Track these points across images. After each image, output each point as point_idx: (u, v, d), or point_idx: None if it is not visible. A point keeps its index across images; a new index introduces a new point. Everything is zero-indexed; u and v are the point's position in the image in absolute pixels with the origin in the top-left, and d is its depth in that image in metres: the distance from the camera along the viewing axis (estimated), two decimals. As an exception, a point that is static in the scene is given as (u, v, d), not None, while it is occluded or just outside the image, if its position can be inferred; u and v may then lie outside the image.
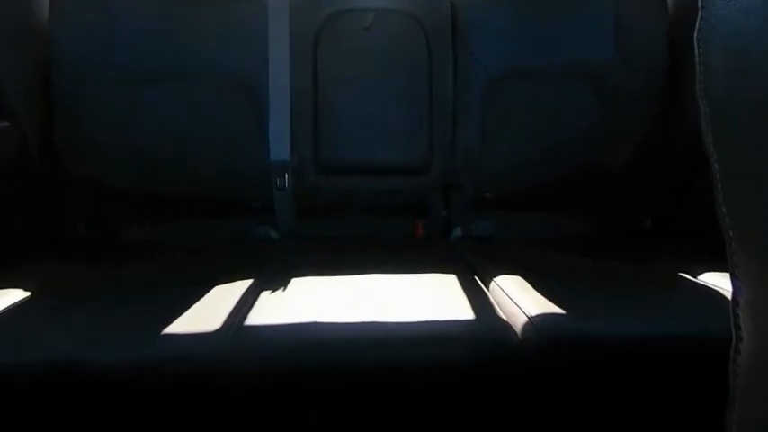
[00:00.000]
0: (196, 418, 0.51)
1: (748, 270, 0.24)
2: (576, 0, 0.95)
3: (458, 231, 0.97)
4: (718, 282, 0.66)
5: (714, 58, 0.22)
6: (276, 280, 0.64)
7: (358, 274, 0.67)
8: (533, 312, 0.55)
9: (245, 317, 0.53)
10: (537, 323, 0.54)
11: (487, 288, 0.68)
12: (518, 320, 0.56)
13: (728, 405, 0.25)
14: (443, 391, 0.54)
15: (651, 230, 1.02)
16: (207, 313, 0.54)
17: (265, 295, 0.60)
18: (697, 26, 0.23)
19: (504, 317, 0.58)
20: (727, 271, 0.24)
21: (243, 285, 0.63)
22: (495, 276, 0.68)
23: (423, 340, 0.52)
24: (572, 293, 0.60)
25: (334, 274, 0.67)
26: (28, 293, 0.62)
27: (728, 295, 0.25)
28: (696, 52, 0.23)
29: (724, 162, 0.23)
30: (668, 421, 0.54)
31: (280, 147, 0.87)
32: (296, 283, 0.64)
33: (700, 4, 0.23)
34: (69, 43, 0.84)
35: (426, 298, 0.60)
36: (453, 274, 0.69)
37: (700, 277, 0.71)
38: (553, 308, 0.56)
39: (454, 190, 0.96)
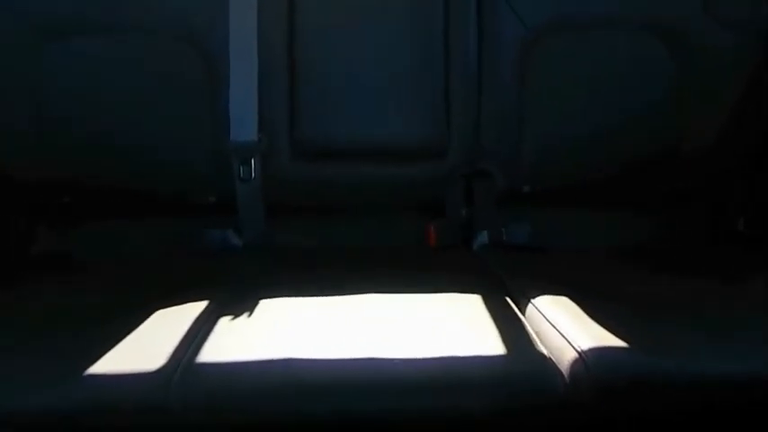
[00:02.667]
0: None
1: None
2: None
3: (483, 237, 0.83)
4: None
5: None
6: (238, 303, 0.55)
7: (348, 294, 0.58)
8: (585, 346, 0.47)
9: (196, 352, 0.45)
10: (590, 360, 0.46)
11: (523, 313, 0.58)
12: (564, 357, 0.48)
13: None
14: None
15: (744, 235, 0.88)
16: (144, 348, 0.46)
17: (224, 323, 0.51)
18: None
19: (545, 352, 0.49)
20: None
21: (194, 310, 0.53)
22: (532, 297, 0.59)
23: (434, 385, 0.44)
24: (636, 321, 0.52)
25: (316, 295, 0.58)
26: None
27: None
28: None
29: None
30: None
31: (243, 123, 0.74)
32: (264, 306, 0.55)
33: None
34: None
35: (440, 327, 0.52)
36: (477, 294, 0.59)
37: None
38: (612, 340, 0.48)
39: (479, 181, 0.83)
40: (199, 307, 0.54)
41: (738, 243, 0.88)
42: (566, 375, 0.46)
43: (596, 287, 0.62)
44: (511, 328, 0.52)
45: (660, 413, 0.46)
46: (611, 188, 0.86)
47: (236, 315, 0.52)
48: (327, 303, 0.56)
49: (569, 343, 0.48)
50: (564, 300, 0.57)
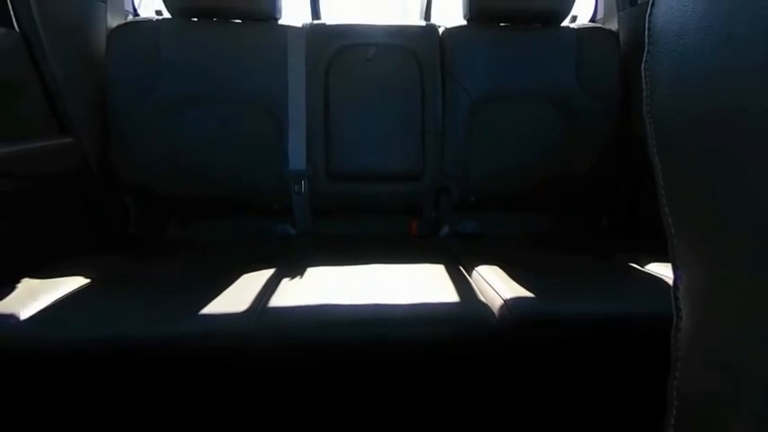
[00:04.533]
0: (225, 387, 0.54)
1: (685, 261, 0.24)
2: (542, 37, 0.99)
3: (446, 229, 1.01)
4: (663, 271, 0.69)
5: (658, 86, 0.23)
6: (294, 270, 0.67)
7: (362, 264, 0.70)
8: (508, 296, 0.58)
9: (267, 300, 0.56)
10: (511, 305, 0.57)
11: (470, 276, 0.70)
12: (495, 303, 0.58)
13: (670, 373, 0.25)
14: (431, 364, 0.56)
15: (607, 229, 1.06)
16: (236, 298, 0.57)
17: (285, 282, 0.62)
18: (644, 59, 0.24)
19: (483, 300, 0.60)
20: (669, 262, 0.24)
21: (266, 274, 0.66)
22: (476, 267, 0.71)
23: (415, 320, 0.54)
24: (541, 281, 0.63)
25: (343, 265, 0.70)
26: (87, 281, 0.65)
27: (671, 282, 0.25)
28: (643, 81, 0.24)
29: (666, 172, 0.24)
30: (622, 386, 0.57)
31: (297, 158, 0.93)
32: (310, 272, 0.67)
33: (647, 41, 0.24)
34: (122, 73, 0.89)
35: (418, 285, 0.62)
36: (442, 264, 0.72)
37: (647, 267, 0.74)
38: (525, 293, 0.59)
39: (443, 194, 1.00)
40: (269, 272, 0.67)
41: (603, 234, 1.06)
42: (496, 315, 0.57)
43: (517, 261, 0.74)
44: (462, 286, 0.63)
45: (556, 338, 0.56)
46: (526, 198, 1.03)
47: (292, 277, 0.65)
48: (348, 270, 0.68)
49: (498, 295, 0.59)
50: (496, 268, 0.69)
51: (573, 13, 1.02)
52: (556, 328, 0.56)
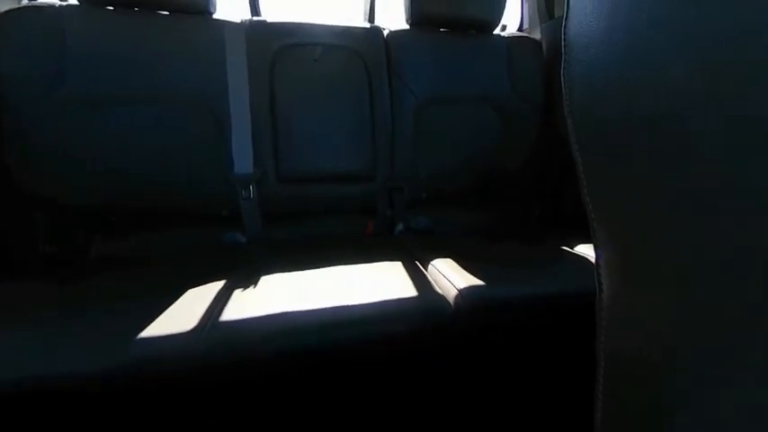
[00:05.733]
0: (178, 417, 0.49)
1: (603, 241, 0.26)
2: (478, 44, 1.04)
3: (400, 226, 1.01)
4: (588, 251, 0.75)
5: (574, 90, 0.25)
6: (246, 280, 0.62)
7: (319, 268, 0.67)
8: (462, 286, 0.60)
9: (219, 314, 0.51)
10: (465, 294, 0.59)
11: (426, 270, 0.71)
12: (450, 293, 0.60)
13: (597, 339, 0.27)
14: (395, 358, 0.56)
15: (539, 218, 1.14)
16: (180, 316, 0.51)
17: (237, 294, 0.58)
18: (562, 66, 0.26)
19: (440, 291, 0.61)
20: (592, 243, 0.27)
21: (215, 287, 0.60)
22: (431, 260, 0.73)
23: (375, 318, 0.54)
24: (489, 269, 0.67)
25: (298, 270, 0.66)
26: None
27: (594, 260, 0.27)
28: (563, 85, 0.26)
29: (585, 165, 0.26)
30: (563, 353, 0.62)
31: (243, 161, 0.86)
32: (264, 280, 0.63)
33: (563, 51, 0.26)
34: (15, 65, 0.74)
35: (377, 283, 0.61)
36: (398, 261, 0.72)
37: (576, 249, 0.82)
38: (476, 281, 0.61)
39: (396, 193, 1.00)
40: (219, 284, 0.61)
41: (536, 223, 1.13)
42: (452, 304, 0.58)
43: (466, 251, 0.76)
44: (419, 280, 0.64)
45: (507, 320, 0.59)
46: (472, 194, 1.07)
47: (246, 287, 0.59)
48: (306, 274, 0.65)
49: (453, 285, 0.61)
50: (449, 260, 0.71)
51: (503, 22, 1.09)
52: (505, 310, 0.59)
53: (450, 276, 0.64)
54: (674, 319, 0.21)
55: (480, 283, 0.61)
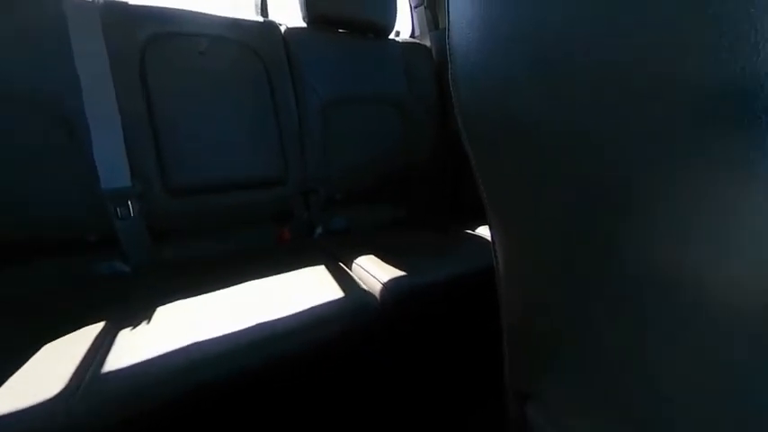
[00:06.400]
0: None
1: (495, 223, 0.29)
2: (377, 47, 1.06)
3: (320, 229, 0.99)
4: (487, 233, 0.82)
5: (461, 90, 0.27)
6: (135, 316, 0.53)
7: (230, 287, 0.61)
8: (386, 279, 0.62)
9: (100, 364, 0.42)
10: (389, 287, 0.60)
11: (350, 269, 0.71)
12: (376, 288, 0.62)
13: (500, 308, 0.30)
14: (330, 361, 0.55)
15: (444, 207, 1.21)
16: (42, 377, 0.40)
17: (124, 334, 0.48)
18: (449, 70, 0.28)
19: (366, 288, 0.62)
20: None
21: (93, 330, 0.49)
22: (354, 259, 0.73)
23: (302, 328, 0.51)
24: (408, 260, 0.69)
25: (205, 293, 0.59)
26: None
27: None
28: (451, 87, 0.28)
29: (476, 155, 0.28)
30: (477, 324, 0.66)
31: (114, 173, 0.71)
32: (161, 312, 0.53)
33: (449, 57, 0.27)
34: None
35: (300, 291, 0.59)
36: (322, 264, 0.71)
37: (477, 231, 0.90)
38: (399, 272, 0.64)
39: (311, 195, 0.97)
40: (98, 327, 0.50)
41: (444, 212, 1.18)
42: (378, 298, 0.60)
43: (384, 246, 0.78)
44: (344, 280, 0.64)
45: (429, 304, 0.62)
46: (383, 190, 1.08)
47: (135, 325, 0.49)
48: (213, 297, 0.57)
49: (377, 280, 0.63)
50: (370, 256, 0.72)
51: (397, 28, 1.13)
52: (426, 294, 0.62)
53: (373, 272, 0.65)
54: (551, 287, 0.25)
55: (402, 273, 0.63)
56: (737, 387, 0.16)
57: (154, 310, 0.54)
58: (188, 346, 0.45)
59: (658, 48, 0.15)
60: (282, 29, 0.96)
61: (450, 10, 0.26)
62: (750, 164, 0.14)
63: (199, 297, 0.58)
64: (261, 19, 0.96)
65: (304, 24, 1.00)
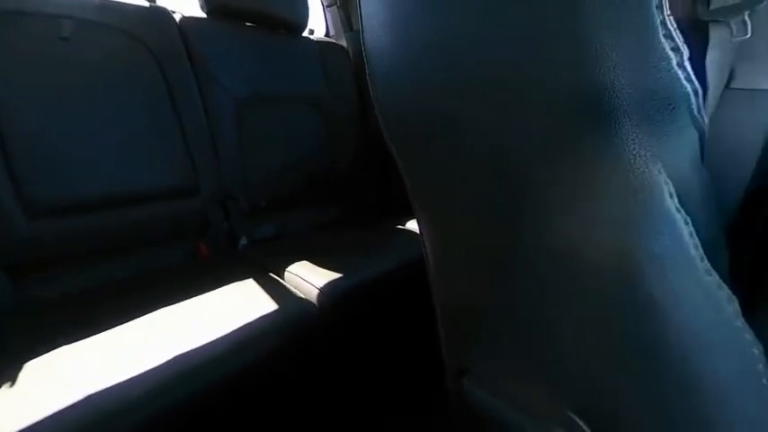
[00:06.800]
0: None
1: (422, 217, 0.30)
2: (291, 45, 1.02)
3: (244, 240, 0.93)
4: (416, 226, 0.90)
5: (379, 90, 0.28)
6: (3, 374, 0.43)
7: (139, 317, 0.53)
8: (322, 284, 0.62)
9: None
10: (326, 291, 0.60)
11: (283, 278, 0.69)
12: (313, 294, 0.61)
13: (431, 293, 0.33)
14: (278, 375, 0.53)
15: (376, 205, 1.22)
16: None
17: None
18: (367, 71, 0.28)
19: (302, 296, 0.61)
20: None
21: None
22: (286, 267, 0.71)
23: (235, 349, 0.48)
24: (342, 261, 0.69)
25: (104, 330, 0.50)
26: None
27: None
28: (370, 87, 0.28)
29: (398, 152, 0.29)
30: (416, 312, 0.63)
31: None
32: (39, 363, 0.44)
33: (365, 58, 0.28)
34: None
35: (228, 309, 0.55)
36: (249, 277, 0.67)
37: (407, 225, 0.92)
38: (334, 275, 0.63)
39: (231, 204, 0.90)
40: None
41: (371, 210, 1.19)
42: (316, 303, 0.60)
43: (317, 250, 0.76)
44: (277, 290, 0.62)
45: (365, 300, 0.63)
46: (308, 193, 1.05)
47: (10, 386, 0.41)
48: (116, 333, 0.50)
49: (313, 286, 0.62)
50: (304, 262, 0.70)
51: (310, 26, 1.10)
52: (365, 293, 0.63)
53: (308, 278, 0.65)
54: (472, 269, 0.28)
55: (337, 275, 0.63)
56: (609, 331, 0.20)
57: (27, 360, 0.44)
58: (80, 402, 0.38)
59: (536, 61, 0.18)
60: (177, 17, 0.86)
61: (363, 12, 0.27)
62: (603, 157, 0.17)
63: (95, 336, 0.49)
64: (146, 4, 0.84)
65: (203, 14, 0.91)
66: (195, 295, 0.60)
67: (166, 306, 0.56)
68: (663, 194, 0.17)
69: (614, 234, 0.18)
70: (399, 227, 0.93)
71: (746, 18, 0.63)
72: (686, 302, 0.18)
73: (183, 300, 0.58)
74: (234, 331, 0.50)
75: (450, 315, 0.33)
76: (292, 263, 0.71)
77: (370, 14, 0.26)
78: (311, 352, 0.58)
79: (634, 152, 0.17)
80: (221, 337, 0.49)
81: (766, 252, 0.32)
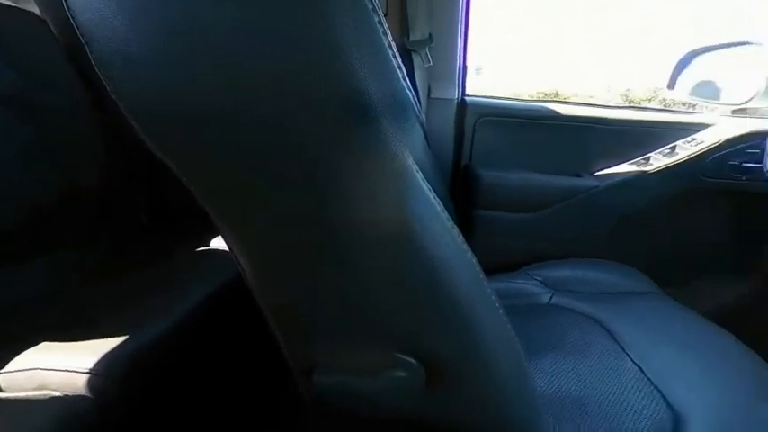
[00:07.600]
0: None
1: (225, 230, 0.29)
2: None
3: None
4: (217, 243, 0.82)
5: (122, 92, 0.22)
6: None
7: None
8: (91, 365, 0.48)
9: None
10: (105, 368, 0.48)
11: (18, 382, 0.49)
12: (81, 385, 0.47)
13: (260, 305, 0.33)
14: None
15: (147, 223, 1.01)
16: None
17: None
18: (90, 54, 0.22)
19: (66, 394, 0.47)
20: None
21: None
22: (19, 360, 0.49)
23: None
24: (120, 315, 0.57)
25: None
26: None
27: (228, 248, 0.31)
28: (106, 84, 0.22)
29: (173, 160, 0.25)
30: (250, 330, 0.62)
31: None
32: None
33: (81, 37, 0.21)
34: None
35: None
36: None
37: (212, 244, 0.84)
38: (115, 341, 0.51)
39: None
40: None
41: (146, 230, 0.98)
42: (92, 396, 0.47)
43: (72, 318, 0.59)
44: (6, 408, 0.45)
45: (184, 346, 0.57)
46: (45, 235, 0.75)
47: None
48: None
49: (80, 372, 0.48)
50: (47, 344, 0.52)
51: None
52: (173, 339, 0.55)
53: (68, 365, 0.48)
54: (291, 267, 0.29)
55: (121, 339, 0.51)
56: (403, 277, 0.27)
57: None
58: None
59: (307, 71, 0.20)
60: None
61: None
62: (375, 149, 0.22)
63: None
64: None
65: None
66: None
67: None
68: (414, 173, 0.24)
69: (394, 207, 0.24)
70: (202, 249, 0.82)
71: (427, 52, 0.96)
72: (441, 242, 0.26)
73: None
74: None
75: (287, 316, 0.33)
76: (36, 348, 0.51)
77: None
78: None
79: (393, 144, 0.22)
80: None
81: None
